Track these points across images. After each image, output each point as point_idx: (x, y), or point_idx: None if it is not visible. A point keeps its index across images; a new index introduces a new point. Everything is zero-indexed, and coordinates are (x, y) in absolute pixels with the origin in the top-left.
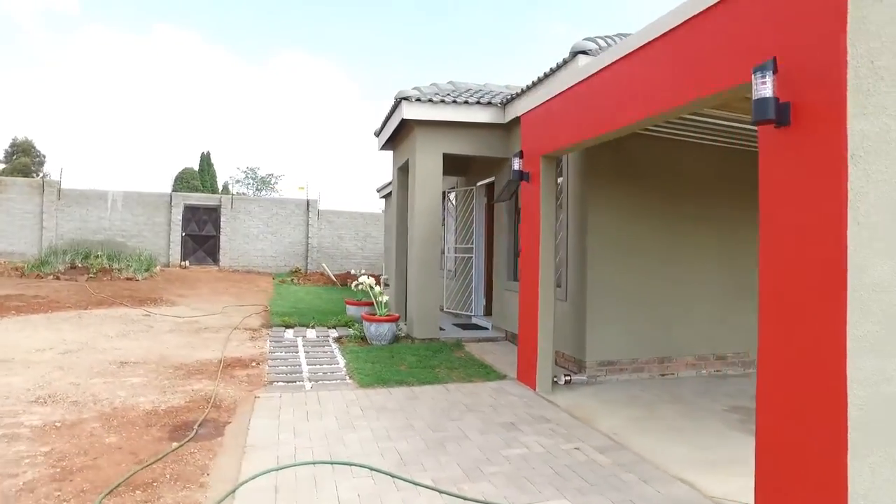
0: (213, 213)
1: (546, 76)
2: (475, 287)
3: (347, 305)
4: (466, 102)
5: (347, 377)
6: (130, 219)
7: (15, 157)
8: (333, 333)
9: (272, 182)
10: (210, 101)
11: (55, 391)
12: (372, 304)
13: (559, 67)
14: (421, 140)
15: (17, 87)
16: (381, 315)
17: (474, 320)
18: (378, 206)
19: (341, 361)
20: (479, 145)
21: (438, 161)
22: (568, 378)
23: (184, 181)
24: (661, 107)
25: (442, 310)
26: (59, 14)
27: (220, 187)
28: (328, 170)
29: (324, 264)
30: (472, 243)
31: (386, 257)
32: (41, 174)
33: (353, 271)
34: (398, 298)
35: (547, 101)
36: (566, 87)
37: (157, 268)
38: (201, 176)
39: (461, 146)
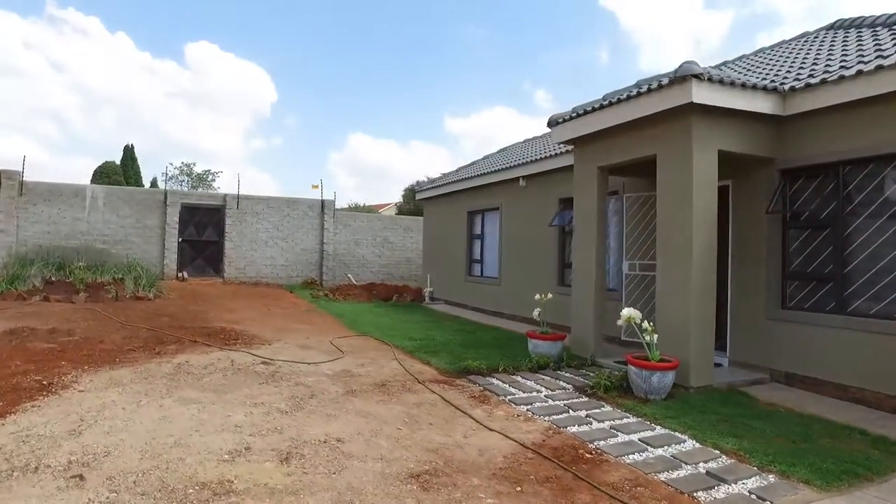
0: (215, 215)
1: None
2: None
3: (532, 340)
4: (755, 87)
5: (773, 475)
6: (115, 221)
7: None
8: (558, 382)
9: (209, 179)
10: (125, 94)
11: None
12: (560, 338)
13: None
14: (698, 132)
15: None
16: (655, 359)
17: None
18: (352, 199)
19: (687, 440)
20: (747, 142)
21: (714, 160)
22: None
23: (104, 176)
24: None
25: (620, 338)
26: None
27: (148, 184)
28: (264, 168)
29: (349, 274)
30: None
31: (577, 274)
32: None
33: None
34: (581, 328)
35: None
36: None
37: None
38: (124, 171)
39: (730, 141)
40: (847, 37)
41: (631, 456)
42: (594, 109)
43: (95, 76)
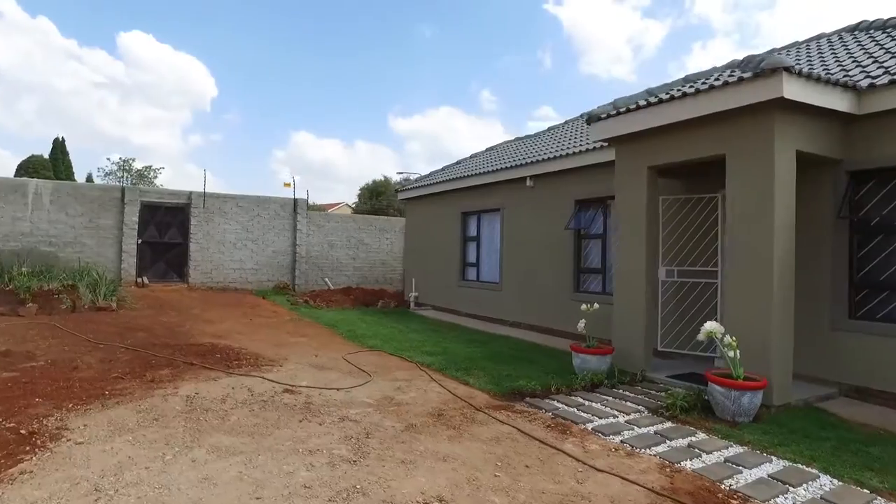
0: (178, 215)
1: None
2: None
3: (579, 354)
4: (836, 83)
5: None
6: (64, 220)
7: None
8: (625, 403)
9: (151, 176)
10: (47, 83)
11: None
12: (608, 351)
13: None
14: (781, 130)
15: None
16: (740, 377)
17: (719, 363)
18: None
19: (820, 475)
20: (819, 141)
21: (792, 160)
22: None
23: (31, 171)
24: None
25: (656, 349)
26: None
27: (83, 181)
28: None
29: (326, 279)
30: (715, 265)
31: (622, 282)
32: None
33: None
34: (628, 340)
35: None
36: None
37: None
38: (54, 166)
39: (806, 141)
40: (892, 35)
41: (777, 500)
42: (648, 104)
43: (12, 62)
